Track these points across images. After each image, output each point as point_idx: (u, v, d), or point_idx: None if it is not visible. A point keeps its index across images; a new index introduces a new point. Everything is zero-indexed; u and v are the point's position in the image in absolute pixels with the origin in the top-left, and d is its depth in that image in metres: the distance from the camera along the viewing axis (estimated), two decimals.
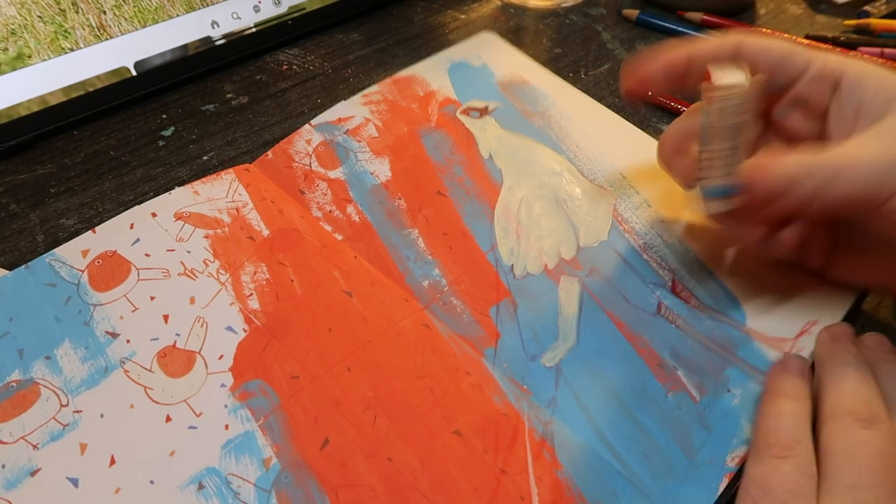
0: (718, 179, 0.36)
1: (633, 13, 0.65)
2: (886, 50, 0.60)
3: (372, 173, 0.46)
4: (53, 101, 0.47)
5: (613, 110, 0.54)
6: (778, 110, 0.39)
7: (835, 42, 0.62)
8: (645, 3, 0.67)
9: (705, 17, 0.64)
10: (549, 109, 0.51)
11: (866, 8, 0.66)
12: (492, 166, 0.47)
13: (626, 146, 0.49)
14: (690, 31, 0.63)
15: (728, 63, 0.36)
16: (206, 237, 0.41)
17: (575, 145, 0.48)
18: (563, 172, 0.46)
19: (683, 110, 0.53)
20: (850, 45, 0.61)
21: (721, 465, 0.34)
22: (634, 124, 0.53)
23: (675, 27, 0.63)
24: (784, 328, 0.39)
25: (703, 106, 0.36)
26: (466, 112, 0.50)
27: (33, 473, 0.31)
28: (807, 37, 0.63)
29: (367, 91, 0.51)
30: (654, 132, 0.52)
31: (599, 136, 0.49)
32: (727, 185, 0.36)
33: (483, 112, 0.50)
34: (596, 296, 0.40)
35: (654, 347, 0.38)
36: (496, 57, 0.55)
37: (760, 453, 0.32)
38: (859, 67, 0.35)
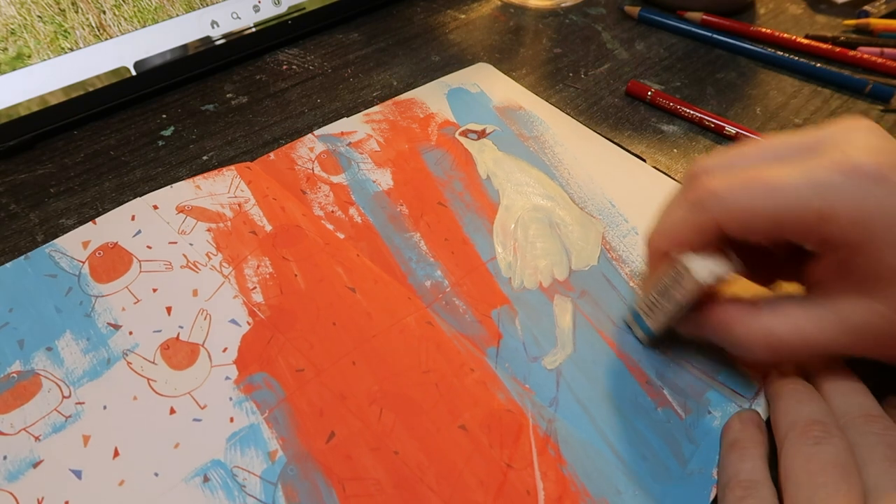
0: (649, 321, 0.37)
1: (634, 10, 0.65)
2: (886, 50, 0.60)
3: (374, 181, 0.46)
4: (53, 101, 0.47)
5: (613, 110, 0.54)
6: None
7: (835, 42, 0.62)
8: (645, 2, 0.68)
9: (705, 16, 0.64)
10: (543, 134, 0.52)
11: (866, 8, 0.66)
12: (489, 186, 0.47)
13: (617, 173, 0.49)
14: (693, 29, 0.63)
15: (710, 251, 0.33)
16: (208, 230, 0.40)
17: (567, 172, 0.49)
18: (556, 198, 0.47)
19: (684, 111, 0.53)
20: (849, 45, 0.61)
21: (709, 476, 0.34)
22: (634, 124, 0.53)
23: (676, 24, 0.64)
24: None
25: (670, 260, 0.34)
26: (465, 134, 0.51)
27: (35, 465, 0.31)
28: (806, 36, 0.63)
29: (368, 111, 0.52)
30: (654, 132, 0.52)
31: (591, 163, 0.50)
32: (653, 332, 0.38)
33: (481, 134, 0.51)
34: (588, 316, 0.40)
35: (641, 367, 0.38)
36: (492, 85, 0.56)
37: (725, 499, 0.31)
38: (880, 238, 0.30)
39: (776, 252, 0.36)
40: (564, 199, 0.47)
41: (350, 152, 0.48)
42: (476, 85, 0.55)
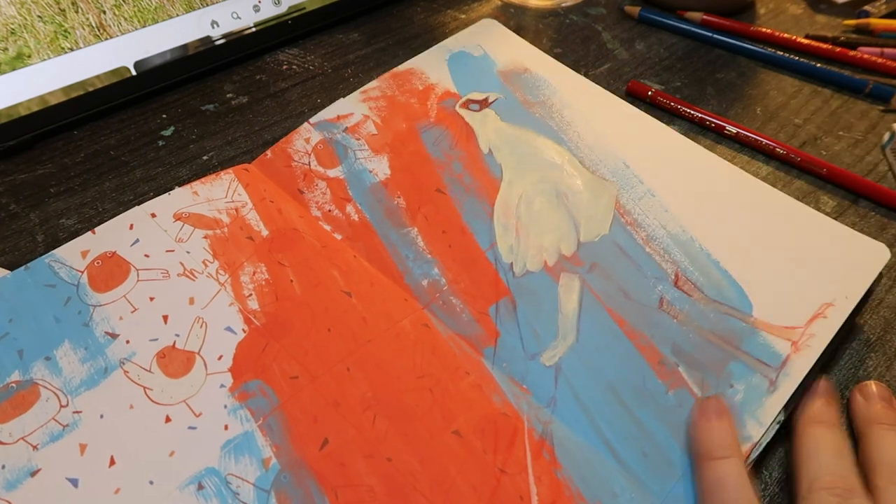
0: None
1: (634, 10, 0.65)
2: (886, 50, 0.60)
3: (371, 171, 0.46)
4: (53, 101, 0.47)
5: None
6: None
7: (835, 42, 0.62)
8: (645, 2, 0.67)
9: (705, 16, 0.63)
10: (550, 98, 0.50)
11: (866, 8, 0.66)
12: (491, 161, 0.46)
13: (631, 132, 0.48)
14: (693, 28, 0.63)
15: None
16: (205, 237, 0.41)
17: (577, 135, 0.48)
18: (564, 165, 0.46)
19: (684, 111, 0.53)
20: (849, 45, 0.61)
21: None
22: None
23: (676, 24, 0.63)
24: (794, 315, 0.38)
25: None
26: (466, 105, 0.50)
27: (33, 474, 0.31)
28: (806, 36, 0.63)
29: (365, 87, 0.51)
30: None
31: (603, 123, 0.49)
32: None
33: (483, 104, 0.50)
34: (596, 292, 0.40)
35: (655, 344, 0.38)
36: (497, 45, 0.54)
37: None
38: None
39: None
40: (574, 164, 0.46)
41: (347, 139, 0.47)
42: (479, 47, 0.54)
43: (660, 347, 0.38)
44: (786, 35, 0.62)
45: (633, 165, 0.46)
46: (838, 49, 0.60)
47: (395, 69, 0.52)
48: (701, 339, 0.38)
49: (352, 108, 0.49)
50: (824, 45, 0.61)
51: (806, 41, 0.62)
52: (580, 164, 0.46)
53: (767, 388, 0.36)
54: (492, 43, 0.55)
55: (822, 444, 0.33)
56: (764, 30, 0.63)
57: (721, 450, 0.33)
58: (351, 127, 0.48)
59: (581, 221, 0.43)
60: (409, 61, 0.53)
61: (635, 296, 0.40)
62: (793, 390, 0.36)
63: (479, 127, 0.48)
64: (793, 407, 0.36)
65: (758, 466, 0.35)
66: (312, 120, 0.48)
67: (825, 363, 0.38)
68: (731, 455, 0.32)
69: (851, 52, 0.60)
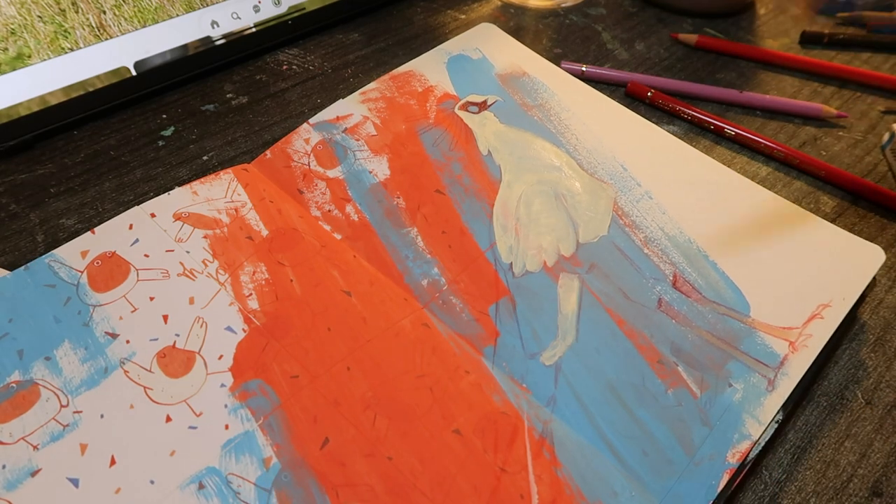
0: None
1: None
2: None
3: (370, 172, 0.46)
4: (53, 101, 0.47)
5: None
6: None
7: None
8: (646, 3, 0.67)
9: (700, 38, 0.62)
10: (548, 102, 0.51)
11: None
12: (490, 163, 0.47)
13: (628, 136, 0.48)
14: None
15: None
16: (205, 237, 0.41)
17: (575, 138, 0.48)
18: (563, 167, 0.46)
19: (683, 111, 0.53)
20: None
21: (721, 461, 0.34)
22: None
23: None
24: (791, 316, 0.39)
25: None
26: (465, 107, 0.50)
27: (33, 474, 0.31)
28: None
29: (364, 88, 0.51)
30: None
31: (600, 126, 0.49)
32: None
33: (482, 107, 0.50)
34: (595, 293, 0.40)
35: (654, 343, 0.38)
36: (495, 49, 0.55)
37: None
38: None
39: None
40: (572, 167, 0.46)
41: (346, 140, 0.47)
42: (478, 50, 0.54)
43: (659, 347, 0.38)
44: (783, 54, 0.61)
45: (631, 168, 0.46)
46: (837, 65, 0.60)
47: (393, 71, 0.53)
48: (700, 339, 0.38)
49: (351, 108, 0.49)
50: (824, 63, 0.60)
51: (807, 59, 0.60)
52: (578, 167, 0.46)
53: (766, 388, 0.36)
54: (490, 46, 0.55)
55: None
56: (763, 49, 0.62)
57: None
58: (350, 128, 0.48)
59: (580, 222, 0.43)
60: (407, 63, 0.53)
61: (634, 296, 0.40)
62: (791, 389, 0.36)
63: (479, 129, 0.48)
64: (791, 406, 0.36)
65: (757, 466, 0.35)
66: (312, 120, 0.48)
67: (822, 363, 0.38)
68: None
69: (850, 68, 0.59)
